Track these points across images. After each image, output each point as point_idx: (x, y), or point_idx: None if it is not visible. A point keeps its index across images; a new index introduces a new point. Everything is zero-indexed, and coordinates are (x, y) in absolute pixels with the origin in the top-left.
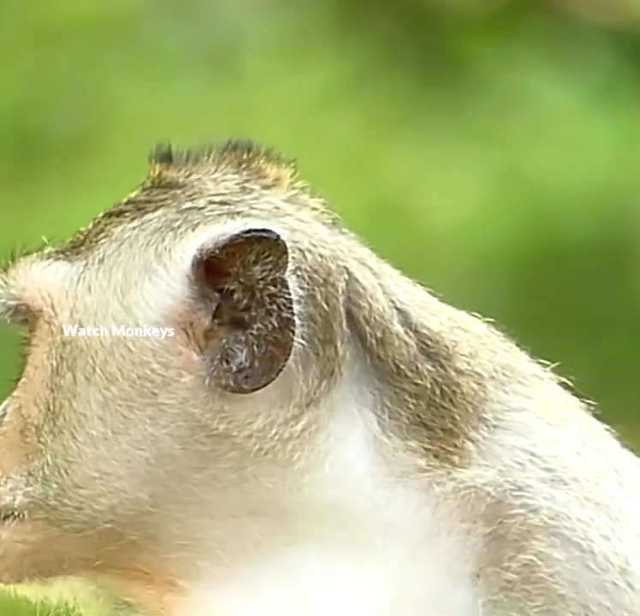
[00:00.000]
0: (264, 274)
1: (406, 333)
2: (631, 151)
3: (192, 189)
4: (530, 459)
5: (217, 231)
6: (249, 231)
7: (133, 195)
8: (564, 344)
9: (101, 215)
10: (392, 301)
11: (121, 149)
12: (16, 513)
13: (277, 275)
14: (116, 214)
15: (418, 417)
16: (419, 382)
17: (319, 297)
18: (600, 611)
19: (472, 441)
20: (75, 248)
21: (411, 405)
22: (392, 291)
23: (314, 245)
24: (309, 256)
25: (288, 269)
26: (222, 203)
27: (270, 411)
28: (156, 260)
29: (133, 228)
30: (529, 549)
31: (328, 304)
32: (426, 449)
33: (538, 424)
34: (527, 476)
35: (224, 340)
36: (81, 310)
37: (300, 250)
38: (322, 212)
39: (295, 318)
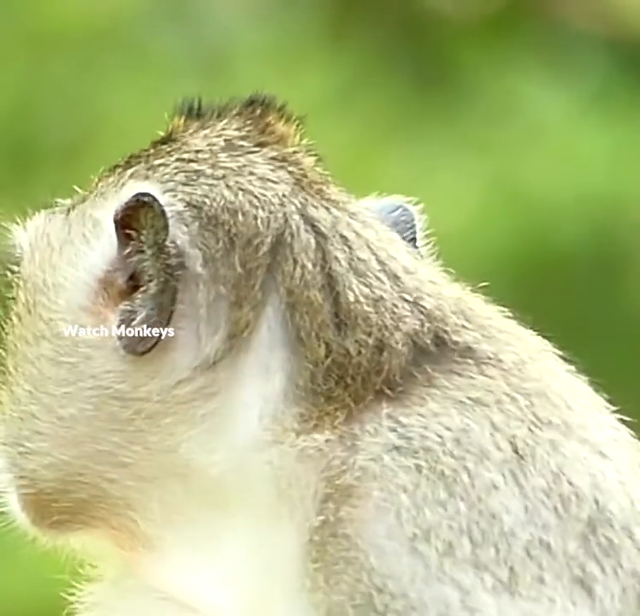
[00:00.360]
0: (148, 237)
1: (324, 300)
2: (625, 158)
3: (176, 145)
4: (389, 426)
5: (127, 192)
6: (136, 195)
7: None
8: (558, 352)
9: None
10: (322, 266)
11: (115, 155)
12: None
13: (157, 238)
14: (114, 167)
15: (310, 384)
16: (320, 349)
17: (235, 259)
18: (392, 583)
19: (345, 409)
20: (70, 205)
21: (308, 373)
22: (331, 255)
23: (254, 207)
24: (240, 217)
25: (188, 230)
26: (189, 160)
27: (167, 373)
28: (93, 222)
29: (105, 184)
30: (343, 507)
31: (243, 266)
32: (303, 415)
33: (438, 397)
34: (374, 441)
35: (126, 302)
36: (33, 264)
37: (232, 211)
38: (309, 171)
39: (173, 283)
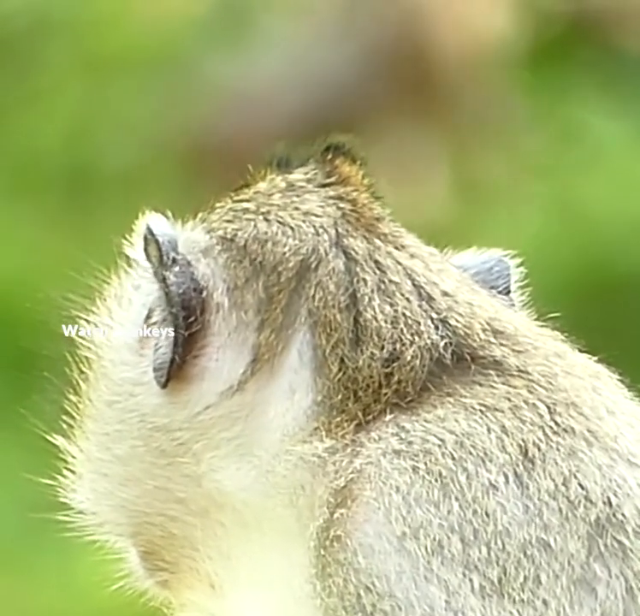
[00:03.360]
0: (152, 269)
1: (344, 320)
2: None
3: (244, 189)
4: (393, 432)
5: (150, 226)
6: (145, 228)
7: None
8: (620, 375)
9: None
10: (347, 289)
11: (175, 180)
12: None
13: (156, 269)
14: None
15: (327, 399)
16: (335, 365)
17: (259, 285)
18: (379, 582)
19: (355, 420)
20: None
21: (325, 389)
22: (359, 277)
23: (286, 236)
24: (269, 246)
25: (168, 265)
26: (243, 200)
27: (196, 401)
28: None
29: None
30: (338, 510)
31: (266, 291)
32: (317, 429)
33: (449, 405)
34: (377, 447)
35: (153, 338)
36: (103, 313)
37: (262, 240)
38: (361, 207)
39: (174, 309)
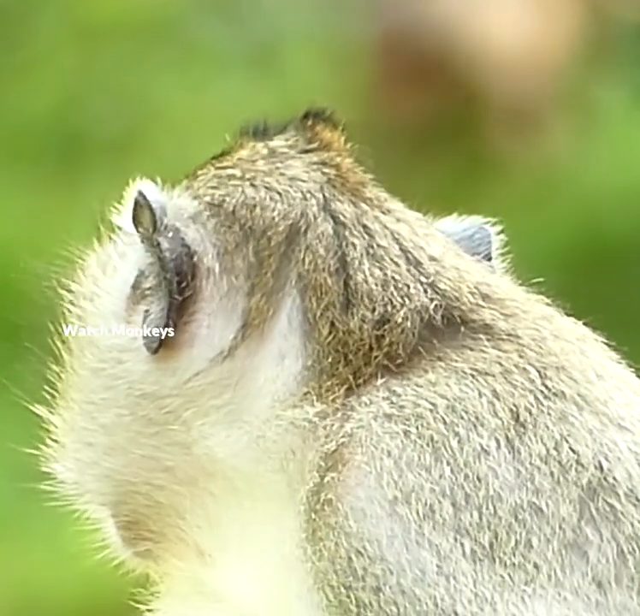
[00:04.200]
0: (143, 234)
1: (334, 283)
2: None
3: (224, 157)
4: (384, 396)
5: (140, 196)
6: (136, 196)
7: None
8: (612, 342)
9: None
10: (336, 252)
11: (165, 147)
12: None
13: (150, 235)
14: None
15: (317, 364)
16: (325, 329)
17: (250, 249)
18: (370, 546)
19: (345, 384)
20: None
21: (315, 353)
22: (348, 241)
23: (273, 201)
24: (257, 211)
25: (160, 230)
26: (227, 167)
27: (186, 367)
28: (125, 230)
29: None
30: (328, 473)
31: (256, 256)
32: (307, 394)
33: (440, 370)
34: (368, 411)
35: (143, 304)
36: (83, 281)
37: (251, 206)
38: (345, 172)
39: (168, 275)
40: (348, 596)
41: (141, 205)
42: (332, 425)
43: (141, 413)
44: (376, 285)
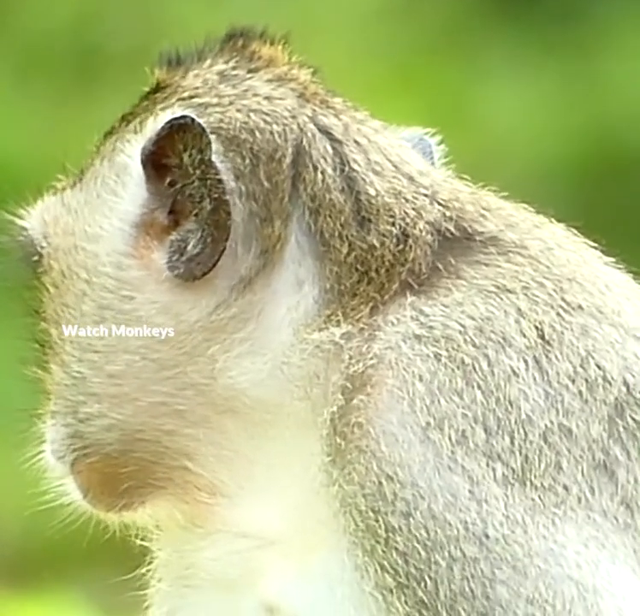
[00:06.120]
0: (191, 158)
1: (345, 200)
2: None
3: (170, 89)
4: (412, 315)
5: (151, 128)
6: (170, 121)
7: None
8: (623, 253)
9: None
10: (341, 169)
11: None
12: (69, 447)
13: (203, 157)
14: (109, 131)
15: (337, 285)
16: (343, 248)
17: (262, 174)
18: (401, 471)
19: (370, 302)
20: (77, 176)
21: (333, 275)
22: (349, 158)
23: (267, 123)
24: (257, 134)
25: (215, 150)
26: (189, 97)
27: (208, 297)
28: (115, 169)
29: (111, 142)
30: (357, 395)
31: (270, 180)
32: (330, 316)
33: (464, 288)
34: (394, 330)
35: (177, 233)
36: (61, 234)
37: (249, 129)
38: (308, 84)
39: (227, 197)
40: (377, 521)
41: (185, 129)
42: (358, 346)
43: (153, 357)
44: (390, 198)
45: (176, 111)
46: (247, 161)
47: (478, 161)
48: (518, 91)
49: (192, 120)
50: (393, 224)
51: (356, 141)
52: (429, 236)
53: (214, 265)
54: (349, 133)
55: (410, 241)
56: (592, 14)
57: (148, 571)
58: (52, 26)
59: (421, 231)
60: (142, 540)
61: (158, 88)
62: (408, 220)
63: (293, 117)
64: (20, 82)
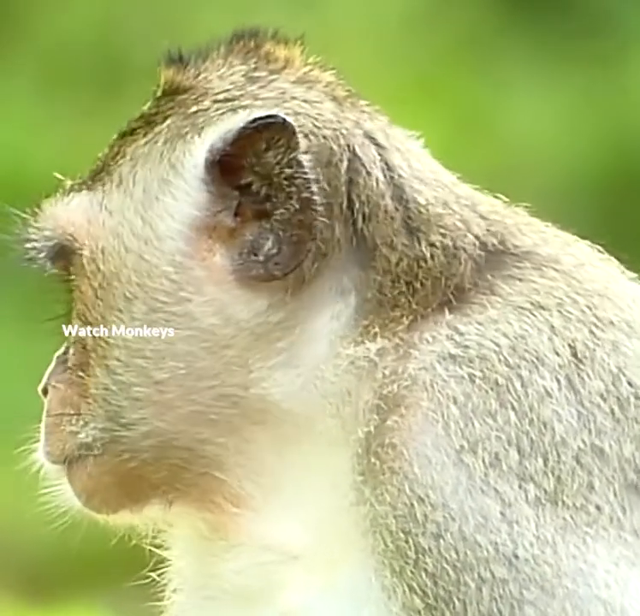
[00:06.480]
0: (278, 157)
1: (396, 208)
2: None
3: (197, 91)
4: (447, 334)
5: (223, 128)
6: (254, 120)
7: (145, 108)
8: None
9: (115, 136)
10: (390, 176)
11: None
12: (94, 450)
13: (291, 156)
14: (129, 132)
15: (378, 295)
16: (391, 257)
17: (322, 179)
18: (433, 493)
19: (411, 315)
20: (95, 176)
21: (376, 284)
22: (394, 164)
23: (317, 127)
24: (313, 139)
25: (300, 149)
26: (226, 99)
27: (265, 299)
28: (170, 171)
29: (145, 144)
30: (391, 416)
31: (330, 184)
32: (368, 327)
33: (499, 304)
34: (430, 349)
35: (249, 234)
36: (105, 236)
37: (304, 134)
38: (335, 86)
39: (315, 197)
40: (407, 541)
41: (281, 129)
42: (393, 365)
43: (197, 365)
44: (439, 208)
45: (255, 111)
46: (311, 164)
47: (499, 171)
48: (540, 103)
49: (284, 119)
50: (443, 235)
51: (396, 147)
52: (476, 250)
53: (297, 266)
54: (389, 138)
55: (459, 254)
56: (614, 26)
57: (165, 581)
58: (76, 38)
59: (469, 244)
60: (162, 551)
61: (179, 89)
62: (458, 232)
63: (339, 121)
64: (44, 94)
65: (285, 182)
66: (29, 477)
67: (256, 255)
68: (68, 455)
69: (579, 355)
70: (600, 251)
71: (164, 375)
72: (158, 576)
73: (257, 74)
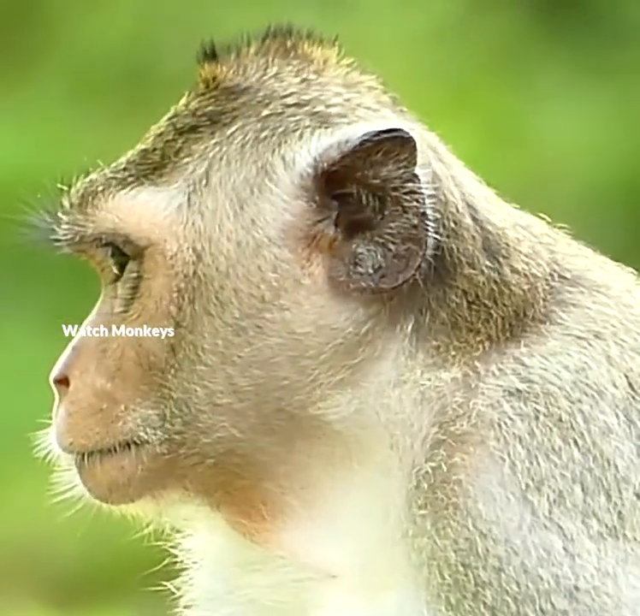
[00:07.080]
0: (400, 172)
1: (476, 228)
2: None
3: (259, 93)
4: (513, 368)
5: (336, 139)
6: (378, 134)
7: (193, 104)
8: None
9: (161, 131)
10: (462, 193)
11: None
12: (138, 442)
13: (411, 171)
14: (189, 129)
15: (454, 317)
16: (475, 278)
17: (436, 194)
18: (496, 529)
19: (488, 341)
20: (156, 170)
21: (454, 304)
22: (461, 182)
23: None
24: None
25: (419, 164)
26: (298, 104)
27: (357, 311)
28: (264, 177)
29: (218, 144)
30: (457, 453)
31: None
32: (439, 348)
33: (558, 334)
34: (497, 384)
35: (354, 245)
36: (195, 237)
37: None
38: (382, 91)
39: (429, 211)
40: (466, 575)
41: (404, 143)
42: (461, 401)
43: (276, 375)
44: (512, 233)
45: (373, 125)
46: (429, 178)
47: (533, 182)
48: (573, 113)
49: (408, 133)
50: (526, 263)
51: (455, 164)
52: (547, 276)
53: (406, 280)
54: (445, 152)
55: (537, 283)
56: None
57: (183, 592)
58: (106, 47)
59: (542, 272)
60: (186, 559)
61: (233, 90)
62: (534, 259)
63: (410, 130)
64: (74, 103)
65: (405, 197)
66: (57, 487)
67: (359, 266)
68: (104, 447)
69: (634, 386)
70: (633, 273)
71: (246, 383)
72: (183, 584)
73: (305, 76)
